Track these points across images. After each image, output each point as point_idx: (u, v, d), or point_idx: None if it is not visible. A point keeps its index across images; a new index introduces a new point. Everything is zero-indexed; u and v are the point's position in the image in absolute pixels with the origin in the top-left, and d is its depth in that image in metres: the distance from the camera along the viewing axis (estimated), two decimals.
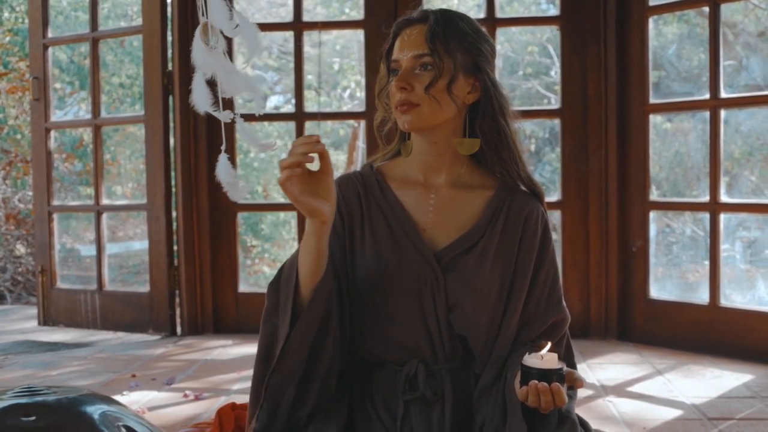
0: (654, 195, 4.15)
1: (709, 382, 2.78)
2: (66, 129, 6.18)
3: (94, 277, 3.99)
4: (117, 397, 2.38)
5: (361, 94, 7.86)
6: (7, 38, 6.94)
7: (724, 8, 3.27)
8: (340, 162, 7.98)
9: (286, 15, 7.37)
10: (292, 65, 4.27)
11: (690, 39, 6.99)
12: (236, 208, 3.82)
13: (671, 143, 6.85)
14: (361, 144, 7.64)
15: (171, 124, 3.81)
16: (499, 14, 3.80)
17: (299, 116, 3.78)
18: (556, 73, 7.73)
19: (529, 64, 8.01)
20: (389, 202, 1.51)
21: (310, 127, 3.83)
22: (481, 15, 3.68)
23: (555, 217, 3.90)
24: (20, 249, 6.44)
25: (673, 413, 2.41)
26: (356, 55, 8.11)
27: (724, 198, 3.27)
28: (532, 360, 1.27)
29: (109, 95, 7.01)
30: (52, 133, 4.14)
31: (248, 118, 1.25)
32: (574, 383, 1.31)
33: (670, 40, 7.00)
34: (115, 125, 6.26)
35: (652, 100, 3.46)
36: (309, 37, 5.57)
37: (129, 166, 7.47)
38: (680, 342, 3.30)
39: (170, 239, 3.78)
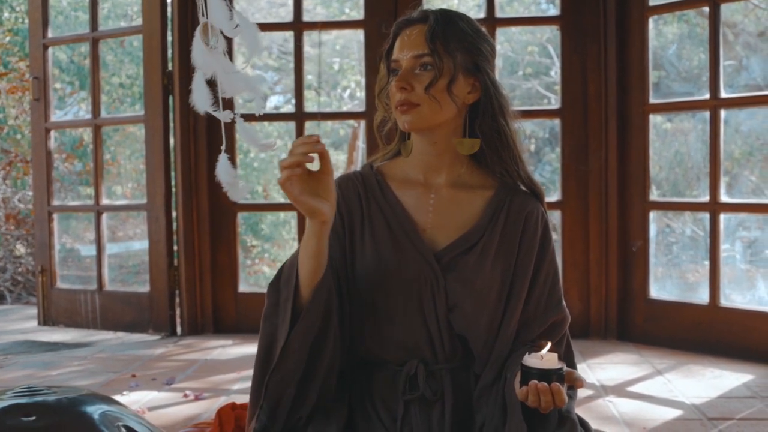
0: (654, 195, 4.15)
1: (709, 382, 2.78)
2: (66, 129, 6.18)
3: (94, 277, 3.99)
4: (117, 397, 2.38)
5: (361, 94, 7.86)
6: (7, 38, 6.94)
7: (724, 8, 3.27)
8: (340, 162, 7.98)
9: (286, 15, 7.37)
10: (292, 65, 4.27)
11: (690, 39, 6.99)
12: (236, 208, 3.82)
13: (671, 143, 6.85)
14: (361, 144, 7.64)
15: (171, 124, 3.81)
16: (499, 14, 3.80)
17: (299, 116, 3.78)
18: (556, 73, 7.74)
19: (529, 64, 8.01)
20: (389, 202, 1.51)
21: (310, 127, 3.83)
22: (481, 15, 3.68)
23: (555, 217, 3.90)
24: (20, 249, 6.44)
25: (673, 413, 2.41)
26: (356, 55, 8.11)
27: (724, 198, 3.27)
28: (532, 360, 1.27)
29: (109, 95, 7.01)
30: (52, 133, 4.14)
31: (248, 118, 1.25)
32: (574, 383, 1.31)
33: (670, 40, 7.00)
34: (115, 125, 6.26)
35: (652, 100, 3.46)
36: (309, 37, 5.58)
37: (129, 166, 7.47)
38: (680, 342, 3.30)
39: (170, 239, 3.78)
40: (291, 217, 6.91)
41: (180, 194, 3.73)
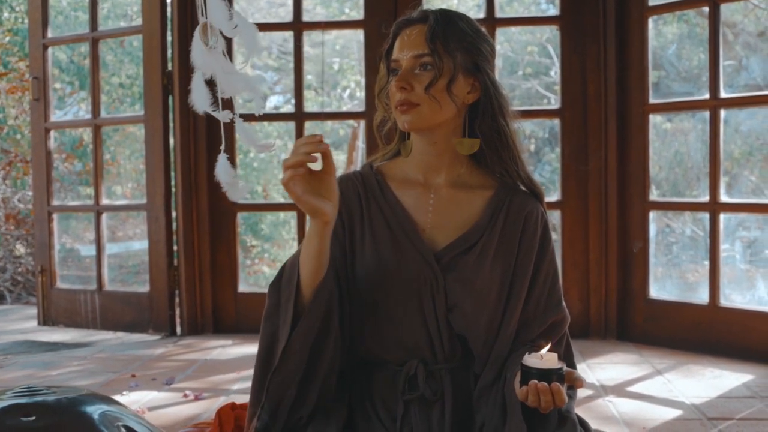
0: (654, 195, 4.15)
1: (708, 382, 2.78)
2: (66, 129, 6.17)
3: (94, 277, 3.99)
4: (117, 397, 2.38)
5: (360, 94, 7.86)
6: (7, 38, 6.94)
7: (724, 8, 3.27)
8: (339, 162, 7.98)
9: (286, 15, 7.37)
10: (291, 65, 4.27)
11: (690, 39, 6.99)
12: (236, 208, 3.82)
13: (671, 143, 6.85)
14: (360, 144, 7.63)
15: (171, 124, 3.81)
16: (498, 14, 3.79)
17: (299, 116, 3.78)
18: (555, 73, 7.73)
19: (528, 64, 8.01)
20: (389, 202, 1.51)
21: (309, 127, 3.83)
22: (481, 15, 3.68)
23: (555, 217, 3.90)
24: (20, 249, 6.44)
25: (673, 413, 2.41)
26: (356, 55, 8.11)
27: (723, 198, 3.26)
28: (532, 360, 1.27)
29: (109, 95, 7.01)
30: (52, 133, 4.14)
31: (248, 118, 1.25)
32: (573, 383, 1.31)
33: (669, 40, 7.00)
34: (114, 125, 6.26)
35: (652, 100, 3.46)
36: (309, 37, 5.58)
37: (129, 166, 7.47)
38: (680, 342, 3.30)
39: (170, 239, 3.78)
40: (291, 217, 6.91)
41: (180, 194, 3.73)
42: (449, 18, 1.46)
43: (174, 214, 3.83)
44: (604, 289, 3.53)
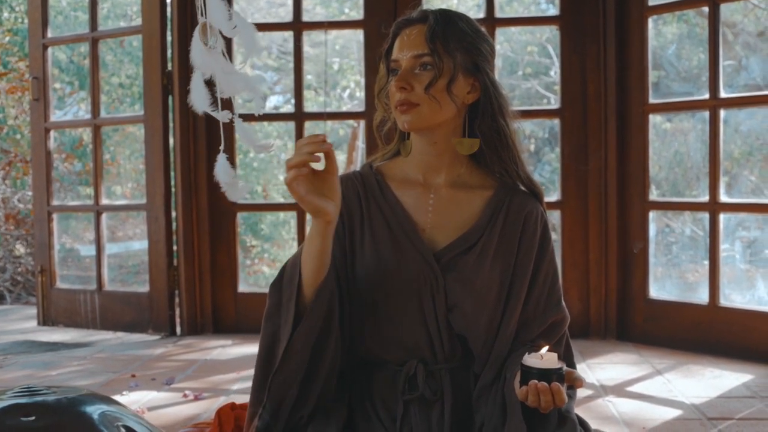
0: (653, 195, 4.15)
1: (708, 382, 2.78)
2: (65, 129, 6.17)
3: (94, 277, 3.99)
4: (117, 397, 2.38)
5: (360, 94, 7.86)
6: (7, 38, 6.94)
7: (724, 8, 3.27)
8: (339, 162, 7.93)
9: (286, 15, 7.37)
10: (291, 65, 4.27)
11: (689, 39, 6.99)
12: (236, 208, 3.82)
13: (671, 143, 6.85)
14: (360, 144, 7.63)
15: (170, 124, 3.81)
16: (498, 14, 3.79)
17: (299, 116, 3.78)
18: (555, 73, 7.73)
19: (528, 64, 8.01)
20: (389, 202, 1.51)
21: (309, 127, 3.83)
22: (481, 15, 3.68)
23: (555, 217, 3.90)
24: (20, 249, 6.44)
25: (673, 413, 2.41)
26: (356, 55, 8.11)
27: (723, 198, 3.27)
28: (531, 360, 1.27)
29: (109, 95, 7.01)
30: (52, 133, 4.14)
31: (248, 118, 1.25)
32: (573, 383, 1.31)
33: (669, 40, 7.00)
34: (114, 125, 6.26)
35: (652, 100, 3.46)
36: (308, 37, 5.58)
37: (128, 166, 7.47)
38: (680, 342, 3.31)
39: (170, 239, 3.78)
40: (290, 217, 6.90)
41: (179, 194, 3.73)
42: (449, 18, 1.46)
43: (174, 214, 3.83)
44: (604, 289, 3.53)
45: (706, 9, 3.28)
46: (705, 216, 3.81)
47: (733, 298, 5.16)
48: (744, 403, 2.49)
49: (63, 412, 1.24)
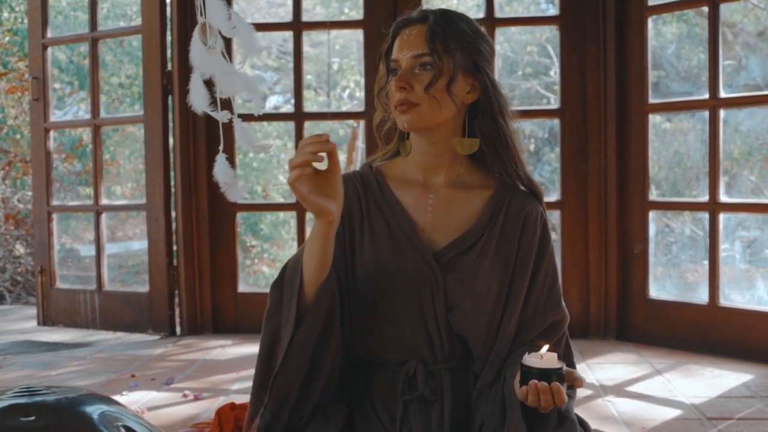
0: (653, 195, 4.15)
1: (708, 381, 2.78)
2: (65, 129, 6.17)
3: (94, 277, 3.99)
4: (116, 397, 2.38)
5: (360, 94, 7.86)
6: (7, 38, 6.93)
7: (724, 8, 3.27)
8: (339, 162, 7.96)
9: (286, 15, 7.37)
10: (291, 65, 4.27)
11: (689, 39, 6.99)
12: (235, 208, 3.82)
13: (670, 143, 6.85)
14: (360, 144, 7.63)
15: (170, 124, 3.80)
16: (498, 14, 3.79)
17: (299, 116, 3.78)
18: (555, 73, 7.73)
19: (528, 64, 8.00)
20: (388, 202, 1.51)
21: (309, 127, 3.83)
22: (481, 15, 3.68)
23: (554, 217, 3.90)
24: (20, 249, 6.44)
25: (673, 413, 2.41)
26: (355, 55, 8.11)
27: (723, 198, 3.27)
28: (531, 359, 1.27)
29: (109, 95, 7.01)
30: (52, 133, 4.14)
31: (247, 118, 1.25)
32: (573, 383, 1.31)
33: (669, 40, 7.00)
34: (114, 125, 6.26)
35: (652, 100, 3.46)
36: (308, 37, 5.58)
37: (128, 166, 7.47)
38: (679, 342, 3.31)
39: (169, 239, 3.78)
40: (290, 217, 6.90)
41: (179, 194, 3.73)
42: (449, 18, 1.46)
43: (173, 214, 3.83)
44: (604, 289, 3.53)
45: (705, 9, 3.28)
46: (705, 216, 3.81)
47: (733, 298, 5.16)
48: (744, 403, 2.49)
49: (63, 412, 1.24)
